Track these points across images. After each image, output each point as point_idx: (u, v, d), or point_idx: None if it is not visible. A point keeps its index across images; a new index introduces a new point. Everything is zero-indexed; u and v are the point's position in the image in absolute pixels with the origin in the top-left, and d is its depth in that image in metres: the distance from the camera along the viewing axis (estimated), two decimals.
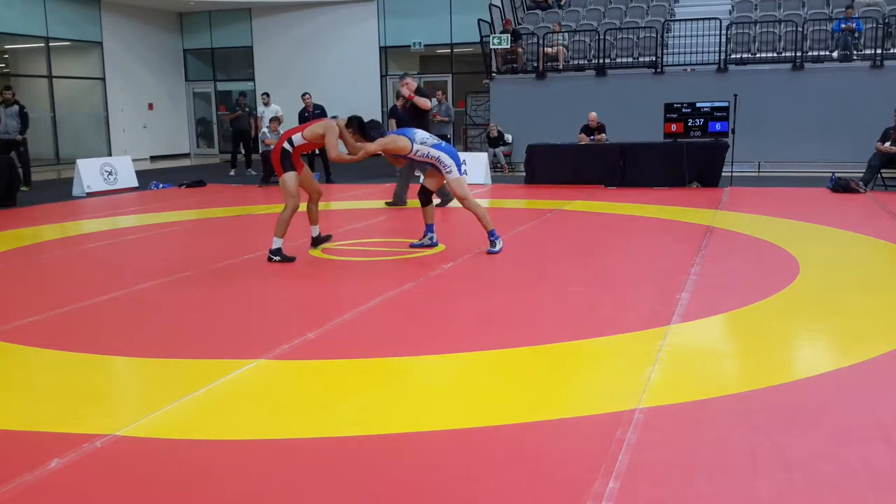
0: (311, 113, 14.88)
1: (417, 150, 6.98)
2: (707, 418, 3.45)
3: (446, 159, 7.00)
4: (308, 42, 22.08)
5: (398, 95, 14.69)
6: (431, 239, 7.54)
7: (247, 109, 16.47)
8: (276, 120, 14.69)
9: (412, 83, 10.53)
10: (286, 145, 6.94)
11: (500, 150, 16.47)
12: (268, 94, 16.76)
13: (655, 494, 2.78)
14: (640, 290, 5.78)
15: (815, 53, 15.72)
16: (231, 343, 4.69)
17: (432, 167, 7.23)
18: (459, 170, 7.10)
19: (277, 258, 6.91)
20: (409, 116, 10.33)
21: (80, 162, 13.48)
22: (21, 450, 3.23)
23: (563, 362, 4.34)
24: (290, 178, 6.91)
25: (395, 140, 6.97)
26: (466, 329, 4.96)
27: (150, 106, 22.75)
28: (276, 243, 6.92)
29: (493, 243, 7.22)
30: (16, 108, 13.72)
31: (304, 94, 15.32)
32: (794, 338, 4.75)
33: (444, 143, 7.17)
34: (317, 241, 7.54)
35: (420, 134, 7.11)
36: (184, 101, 24.15)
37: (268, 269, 6.84)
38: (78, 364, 4.35)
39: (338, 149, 7.09)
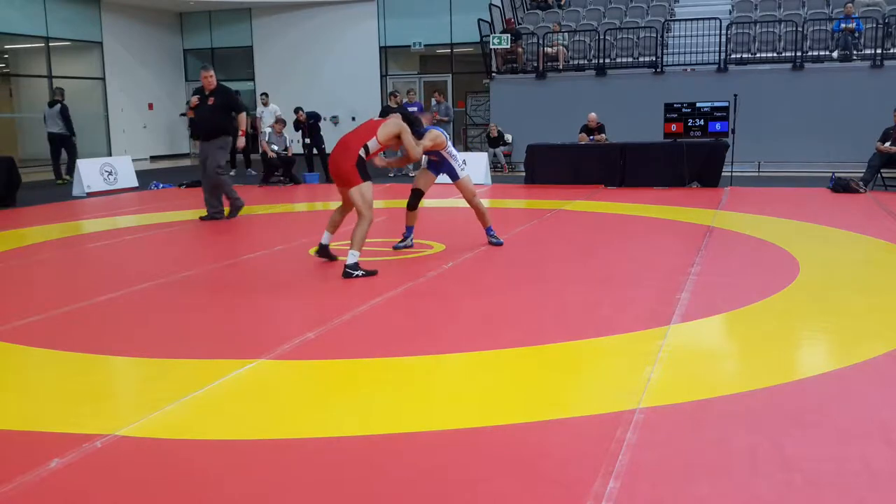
0: (307, 123, 14.89)
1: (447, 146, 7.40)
2: (707, 418, 3.45)
3: (460, 158, 7.48)
4: (308, 42, 22.06)
5: (392, 95, 14.62)
6: (411, 241, 7.66)
7: None
8: (281, 122, 14.66)
9: (213, 76, 9.52)
10: (362, 152, 6.43)
11: (500, 150, 16.46)
12: (266, 95, 16.74)
13: (655, 494, 2.78)
14: (640, 290, 5.78)
15: (815, 53, 15.71)
16: (231, 343, 4.69)
17: (434, 166, 7.51)
18: None
19: (359, 273, 6.33)
20: (213, 114, 9.38)
21: (80, 162, 13.50)
22: (21, 450, 3.23)
23: (563, 362, 4.34)
24: (367, 188, 6.44)
25: (439, 135, 7.31)
26: (467, 329, 4.96)
27: (150, 106, 22.74)
28: (353, 257, 6.36)
29: (494, 236, 7.60)
30: (58, 107, 15.01)
31: (296, 110, 15.11)
32: (794, 338, 4.75)
33: None
34: (324, 252, 7.18)
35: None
36: (184, 101, 24.12)
37: (267, 270, 6.84)
38: (78, 364, 4.34)
39: (414, 145, 6.76)
